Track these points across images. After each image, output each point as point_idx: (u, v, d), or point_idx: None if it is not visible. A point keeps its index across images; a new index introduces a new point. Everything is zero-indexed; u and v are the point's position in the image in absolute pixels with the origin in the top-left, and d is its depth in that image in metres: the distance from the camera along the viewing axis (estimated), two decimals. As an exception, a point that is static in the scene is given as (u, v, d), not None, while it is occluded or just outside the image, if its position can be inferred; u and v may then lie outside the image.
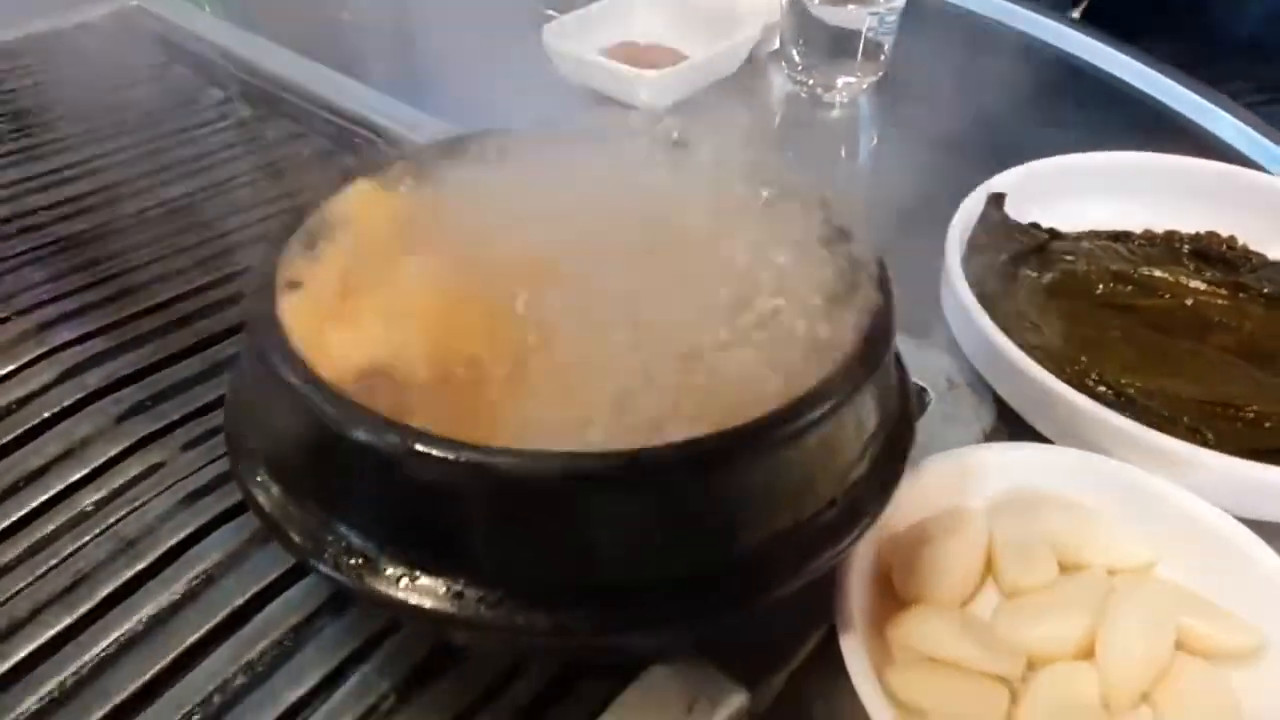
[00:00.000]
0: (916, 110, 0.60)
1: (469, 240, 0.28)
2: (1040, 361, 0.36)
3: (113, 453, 0.33)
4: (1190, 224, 0.44)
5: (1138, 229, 0.44)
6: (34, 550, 0.30)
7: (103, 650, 0.27)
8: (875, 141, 0.59)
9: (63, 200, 0.47)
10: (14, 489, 0.32)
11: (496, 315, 0.25)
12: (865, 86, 0.59)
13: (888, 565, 0.29)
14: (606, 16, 0.61)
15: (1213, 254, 0.42)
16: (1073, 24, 0.65)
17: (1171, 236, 0.43)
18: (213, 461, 0.33)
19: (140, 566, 0.29)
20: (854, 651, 0.26)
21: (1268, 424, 0.34)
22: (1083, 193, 0.44)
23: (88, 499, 0.31)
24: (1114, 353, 0.37)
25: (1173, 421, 0.34)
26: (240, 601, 0.28)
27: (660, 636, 0.24)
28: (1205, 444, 0.33)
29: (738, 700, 0.25)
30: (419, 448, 0.21)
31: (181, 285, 0.41)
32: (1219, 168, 0.45)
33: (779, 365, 0.23)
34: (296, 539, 0.23)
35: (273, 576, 0.29)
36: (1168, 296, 0.40)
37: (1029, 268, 0.41)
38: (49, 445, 0.33)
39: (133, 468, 0.32)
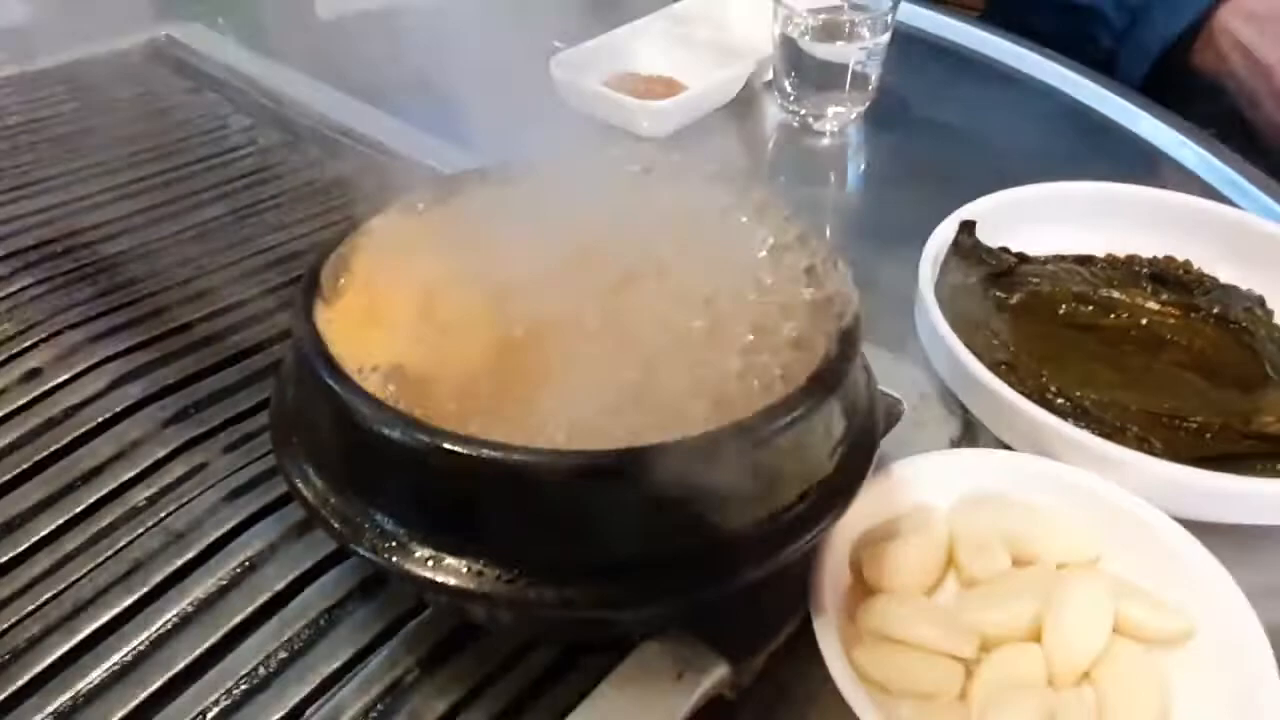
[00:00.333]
0: (902, 137, 0.64)
1: (481, 263, 0.31)
2: (1005, 375, 0.39)
3: (160, 454, 0.36)
4: (1150, 249, 0.47)
5: (1101, 253, 0.47)
6: (93, 541, 0.33)
7: (159, 629, 0.30)
8: (863, 167, 0.62)
9: (104, 222, 0.51)
10: (72, 486, 0.35)
11: (505, 329, 0.29)
12: (854, 116, 0.62)
13: (859, 558, 0.33)
14: (610, 48, 0.65)
15: (1169, 277, 0.45)
16: (1051, 57, 0.69)
17: (1132, 260, 0.47)
18: (251, 462, 0.36)
19: (189, 555, 0.32)
20: (826, 634, 0.29)
21: (1209, 434, 0.37)
22: (1051, 219, 0.48)
23: (139, 496, 0.35)
24: (1073, 368, 0.40)
25: (1123, 431, 0.37)
26: (280, 586, 0.31)
27: (652, 610, 0.27)
28: (1152, 451, 0.36)
29: (720, 671, 0.28)
30: (446, 446, 0.24)
31: (216, 302, 0.45)
32: (1178, 197, 0.48)
33: (756, 378, 0.27)
34: (337, 526, 0.26)
35: (309, 564, 0.32)
36: (1125, 316, 0.43)
37: (998, 289, 0.44)
38: (103, 447, 0.37)
39: (179, 468, 0.36)
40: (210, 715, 0.28)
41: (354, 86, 0.64)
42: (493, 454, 0.23)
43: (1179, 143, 0.60)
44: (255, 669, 0.29)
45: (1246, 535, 0.35)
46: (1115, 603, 0.31)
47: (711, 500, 0.25)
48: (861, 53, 0.60)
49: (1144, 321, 0.43)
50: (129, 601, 0.31)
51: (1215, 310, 0.43)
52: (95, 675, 0.29)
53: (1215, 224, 0.47)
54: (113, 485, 0.35)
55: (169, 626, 0.30)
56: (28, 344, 0.41)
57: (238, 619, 0.31)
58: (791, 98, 0.62)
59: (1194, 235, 0.47)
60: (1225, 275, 0.45)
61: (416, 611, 0.30)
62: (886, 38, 0.60)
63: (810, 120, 0.62)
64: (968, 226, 0.45)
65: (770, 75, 0.64)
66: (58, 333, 0.42)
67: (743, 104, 0.64)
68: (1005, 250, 0.46)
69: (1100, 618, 0.30)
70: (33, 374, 0.40)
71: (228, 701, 0.28)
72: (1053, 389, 0.39)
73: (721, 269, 0.31)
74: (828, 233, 0.57)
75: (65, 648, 0.30)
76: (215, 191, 0.54)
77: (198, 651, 0.30)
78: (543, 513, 0.24)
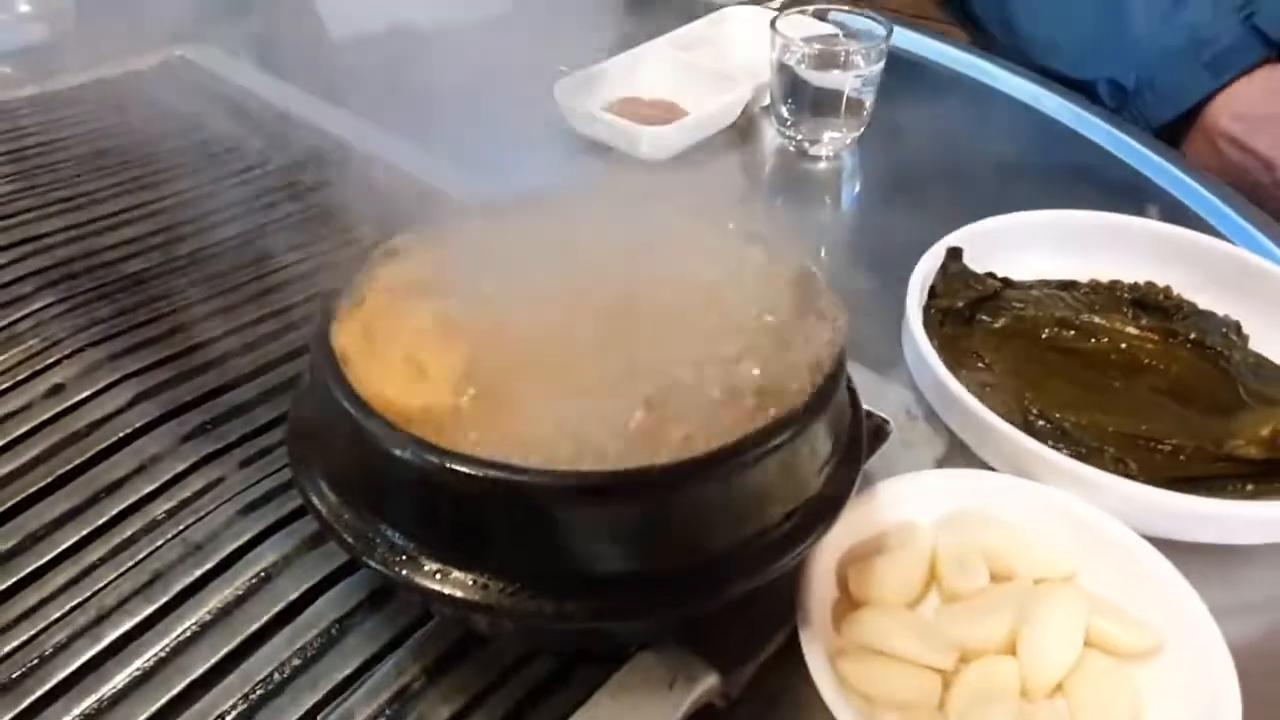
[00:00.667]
0: (896, 161, 0.65)
1: (488, 288, 0.33)
2: (989, 396, 0.41)
3: (180, 468, 0.38)
4: (1133, 274, 0.49)
5: (1085, 278, 0.49)
6: (116, 551, 0.35)
7: (179, 636, 0.32)
8: (857, 190, 0.64)
9: (123, 242, 0.52)
10: (95, 499, 0.37)
11: (508, 349, 0.30)
12: (849, 140, 0.64)
13: (845, 572, 0.34)
14: (613, 73, 0.67)
15: (1150, 302, 0.47)
16: (1043, 83, 0.71)
17: (1115, 286, 0.48)
18: (265, 477, 0.38)
19: (208, 566, 0.34)
20: (812, 646, 0.31)
21: (1183, 456, 0.39)
22: (1037, 245, 0.50)
23: (159, 509, 0.36)
24: (1054, 390, 0.42)
25: (1101, 452, 0.39)
26: (294, 596, 0.33)
27: (645, 622, 0.29)
28: (1128, 472, 0.38)
29: (710, 680, 0.29)
30: (453, 466, 0.26)
31: (232, 321, 0.46)
32: (1159, 226, 0.50)
33: (746, 403, 0.28)
34: (350, 540, 0.28)
35: (320, 576, 0.34)
36: (1105, 341, 0.45)
37: (984, 313, 0.46)
38: (124, 462, 0.38)
39: (197, 482, 0.37)
40: (228, 719, 0.30)
41: (365, 108, 0.66)
42: (497, 474, 0.25)
43: (1168, 172, 0.62)
44: (270, 675, 0.31)
45: (1215, 554, 0.36)
46: (1088, 618, 0.32)
47: (703, 519, 0.27)
48: (856, 80, 0.61)
49: (1123, 346, 0.44)
50: (150, 610, 0.33)
51: (1192, 335, 0.44)
52: (119, 680, 0.31)
53: (1195, 252, 0.48)
54: (134, 498, 0.37)
55: (188, 634, 0.32)
56: (51, 360, 0.43)
57: (253, 627, 0.32)
58: (788, 123, 0.64)
59: (1175, 262, 0.48)
60: (1204, 301, 0.47)
61: (423, 622, 0.32)
62: (880, 65, 0.61)
63: (806, 145, 0.64)
64: (955, 253, 0.47)
65: (768, 100, 0.66)
66: (80, 350, 0.44)
67: (741, 128, 0.66)
68: (991, 275, 0.48)
69: (1073, 632, 0.32)
70: (56, 389, 0.42)
71: (244, 706, 0.30)
72: (1034, 410, 0.41)
73: (716, 296, 0.33)
74: (823, 253, 0.59)
75: (90, 653, 0.31)
76: (229, 212, 0.56)
77: (216, 658, 0.31)
78: (543, 530, 0.26)
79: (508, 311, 0.32)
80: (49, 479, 0.38)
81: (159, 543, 0.35)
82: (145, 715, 0.30)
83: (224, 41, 0.82)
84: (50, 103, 0.67)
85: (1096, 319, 0.45)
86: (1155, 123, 0.68)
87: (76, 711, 0.30)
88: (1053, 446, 0.39)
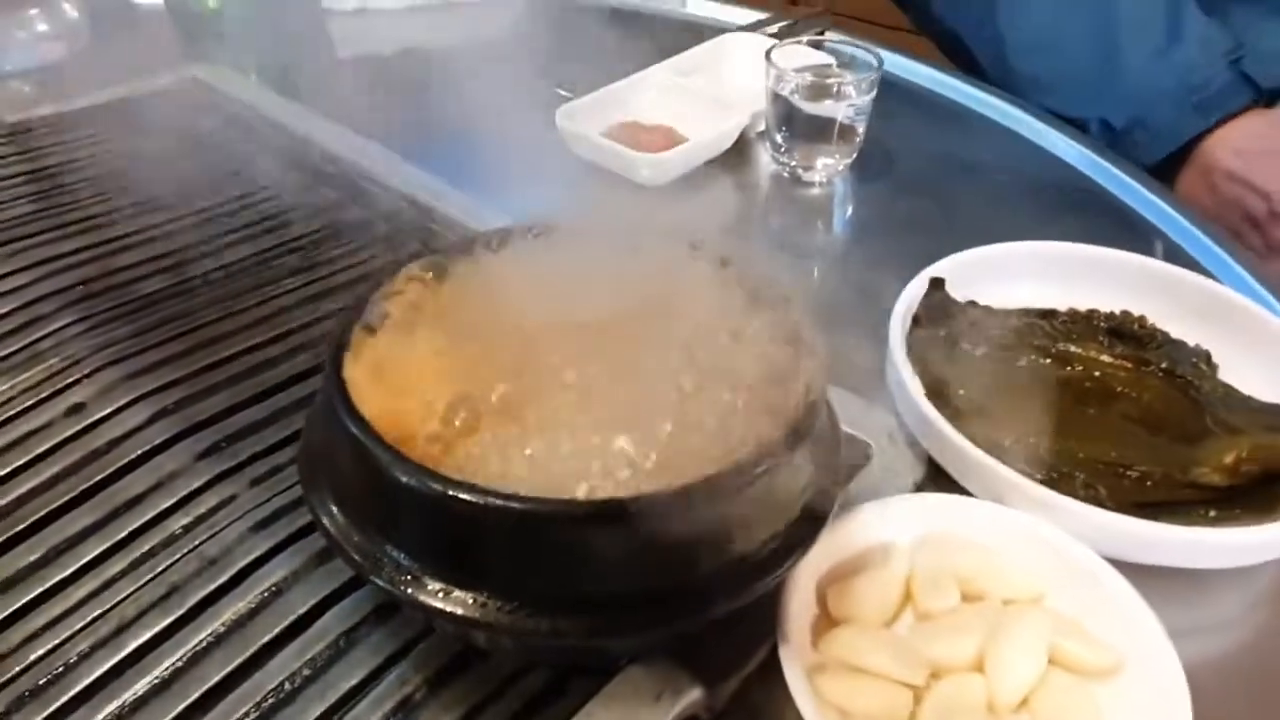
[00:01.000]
0: (886, 187, 0.68)
1: (495, 319, 0.35)
2: (968, 422, 0.43)
3: (195, 485, 0.40)
4: (1110, 303, 0.51)
5: (1064, 307, 0.51)
6: (135, 564, 0.37)
7: (195, 646, 0.34)
8: (848, 215, 0.66)
9: (139, 262, 0.54)
10: (115, 514, 0.39)
11: (509, 381, 0.32)
12: (841, 167, 0.66)
13: (825, 591, 0.36)
14: (613, 99, 0.69)
15: (1125, 331, 0.49)
16: (1033, 112, 0.73)
17: (1092, 315, 0.50)
18: (276, 495, 0.40)
19: (222, 580, 0.36)
20: (792, 662, 0.33)
21: (1150, 482, 0.41)
22: (1018, 275, 0.52)
23: (177, 524, 0.38)
24: (1029, 417, 0.44)
25: (1072, 477, 0.41)
26: (303, 610, 0.35)
27: (634, 639, 0.31)
28: (1097, 497, 0.40)
29: (694, 694, 0.31)
30: (455, 493, 0.28)
31: (244, 341, 0.48)
32: (1135, 258, 0.52)
33: (731, 434, 0.30)
34: (358, 559, 0.30)
35: (328, 591, 0.36)
36: (1080, 369, 0.46)
37: (965, 341, 0.48)
38: (142, 479, 0.40)
39: (211, 499, 0.39)
40: (242, 725, 0.32)
41: (372, 130, 0.68)
42: (497, 502, 0.27)
43: (1152, 204, 0.64)
44: (281, 685, 0.33)
45: (1178, 576, 0.38)
46: (1052, 638, 0.34)
47: (688, 543, 0.29)
48: (849, 109, 0.64)
49: (1097, 374, 0.46)
50: (167, 621, 0.35)
51: (1164, 364, 0.46)
52: (139, 687, 0.33)
53: (1169, 283, 0.50)
54: (152, 514, 0.39)
55: (204, 645, 0.34)
56: (71, 379, 0.45)
57: (265, 639, 0.34)
58: (782, 149, 0.66)
59: (1151, 292, 0.50)
60: (1177, 331, 0.49)
61: (425, 636, 0.34)
62: (872, 95, 0.64)
63: (800, 171, 0.66)
64: (937, 282, 0.49)
65: (763, 126, 0.68)
66: (99, 369, 0.46)
67: (737, 154, 0.68)
68: (974, 304, 0.50)
69: (1037, 651, 0.33)
70: (77, 408, 0.44)
71: (257, 714, 0.32)
72: (1010, 435, 0.43)
73: (704, 330, 0.35)
74: (815, 273, 0.61)
75: (112, 662, 0.33)
76: (241, 234, 0.58)
77: (230, 667, 0.33)
78: (540, 553, 0.28)
79: (510, 343, 0.34)
80: (71, 494, 0.40)
81: (176, 557, 0.37)
82: (164, 721, 0.32)
83: (235, 61, 0.84)
84: (68, 122, 0.69)
85: (1072, 347, 0.47)
86: (1146, 161, 0.70)
87: (99, 717, 0.32)
88: (1027, 471, 0.41)
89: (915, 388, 0.43)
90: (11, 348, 0.47)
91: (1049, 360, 0.47)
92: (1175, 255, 0.59)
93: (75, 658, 0.34)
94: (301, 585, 0.36)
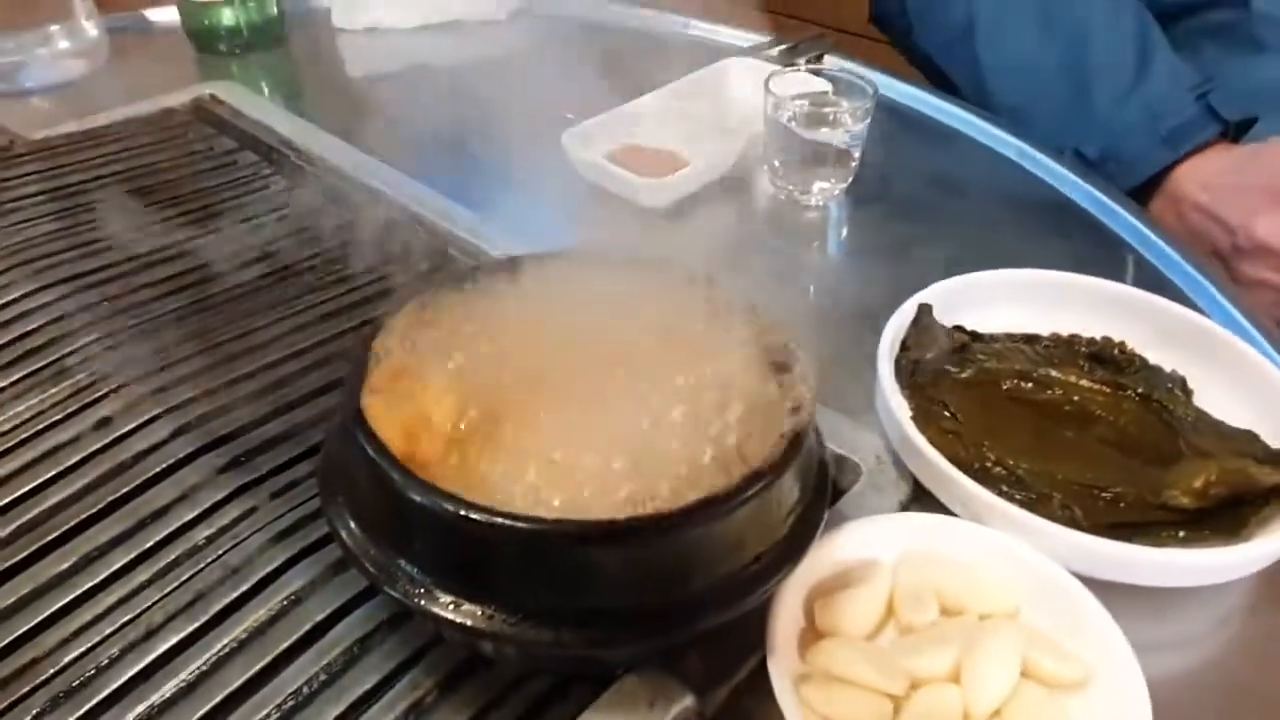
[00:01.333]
0: (881, 211, 0.70)
1: (503, 345, 0.37)
2: (952, 443, 0.45)
3: (217, 498, 0.42)
4: (1092, 329, 0.53)
5: (1047, 332, 0.53)
6: (162, 573, 0.39)
7: (218, 651, 0.36)
8: (843, 237, 0.68)
9: (160, 280, 0.57)
10: (141, 525, 0.41)
11: (517, 406, 0.35)
12: (837, 191, 0.69)
13: (811, 605, 0.38)
14: (617, 123, 0.71)
15: (1105, 356, 0.51)
16: (1027, 139, 0.75)
17: (1074, 340, 0.52)
18: (294, 508, 0.42)
19: (244, 589, 0.38)
20: (779, 671, 0.35)
21: (1123, 503, 0.43)
22: (1003, 301, 0.54)
23: (200, 535, 0.40)
24: (1011, 439, 0.46)
25: (1050, 498, 0.43)
26: (320, 618, 0.37)
27: (630, 649, 0.33)
28: (1073, 517, 0.42)
29: (687, 701, 0.34)
30: (464, 513, 0.30)
31: (262, 358, 0.51)
32: (1116, 286, 0.54)
33: (723, 458, 0.33)
34: (372, 570, 0.32)
35: (344, 600, 0.38)
36: (1060, 392, 0.49)
37: (951, 364, 0.50)
38: (167, 490, 0.42)
39: (233, 510, 0.42)
40: (263, 727, 0.34)
41: (383, 149, 0.71)
42: (504, 522, 0.29)
43: (1139, 232, 0.66)
44: (299, 689, 0.35)
45: (1147, 594, 0.40)
46: (1025, 651, 0.36)
47: (682, 561, 0.31)
48: (845, 136, 0.66)
49: (1076, 398, 0.48)
50: (193, 627, 0.37)
51: (1140, 389, 0.48)
52: (167, 689, 0.35)
53: (1148, 311, 0.52)
54: (176, 525, 0.41)
55: (227, 650, 0.36)
56: (98, 395, 0.47)
57: (284, 645, 0.36)
58: (780, 174, 0.68)
59: (1131, 319, 0.52)
60: (1155, 357, 0.51)
61: (435, 644, 0.36)
62: (867, 122, 0.66)
63: (797, 195, 0.68)
64: (925, 309, 0.51)
65: (762, 150, 0.70)
66: (124, 385, 0.48)
67: (736, 177, 0.71)
68: (959, 329, 0.52)
69: (1010, 664, 0.36)
70: (104, 422, 0.46)
71: (277, 715, 0.34)
72: (992, 457, 0.45)
73: (698, 356, 0.37)
74: (811, 292, 0.63)
75: (140, 665, 0.35)
76: (257, 251, 0.60)
77: (251, 672, 0.35)
78: (544, 569, 0.30)
79: (515, 369, 0.36)
80: (99, 506, 0.42)
81: (200, 566, 0.39)
82: (191, 722, 0.34)
83: (250, 80, 0.87)
84: (88, 140, 0.72)
85: (1053, 372, 0.49)
86: (1120, 189, 0.72)
87: (130, 716, 0.34)
88: (1006, 492, 0.43)
89: (901, 411, 0.45)
90: (40, 363, 0.49)
91: (1031, 384, 0.49)
92: (1156, 279, 0.62)
93: (106, 661, 0.36)
94: (319, 594, 0.38)
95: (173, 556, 0.40)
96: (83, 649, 0.36)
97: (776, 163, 0.68)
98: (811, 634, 0.38)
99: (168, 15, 0.96)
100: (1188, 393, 0.49)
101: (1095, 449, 0.46)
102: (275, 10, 0.93)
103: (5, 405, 0.47)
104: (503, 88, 0.83)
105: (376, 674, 0.35)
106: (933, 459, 0.43)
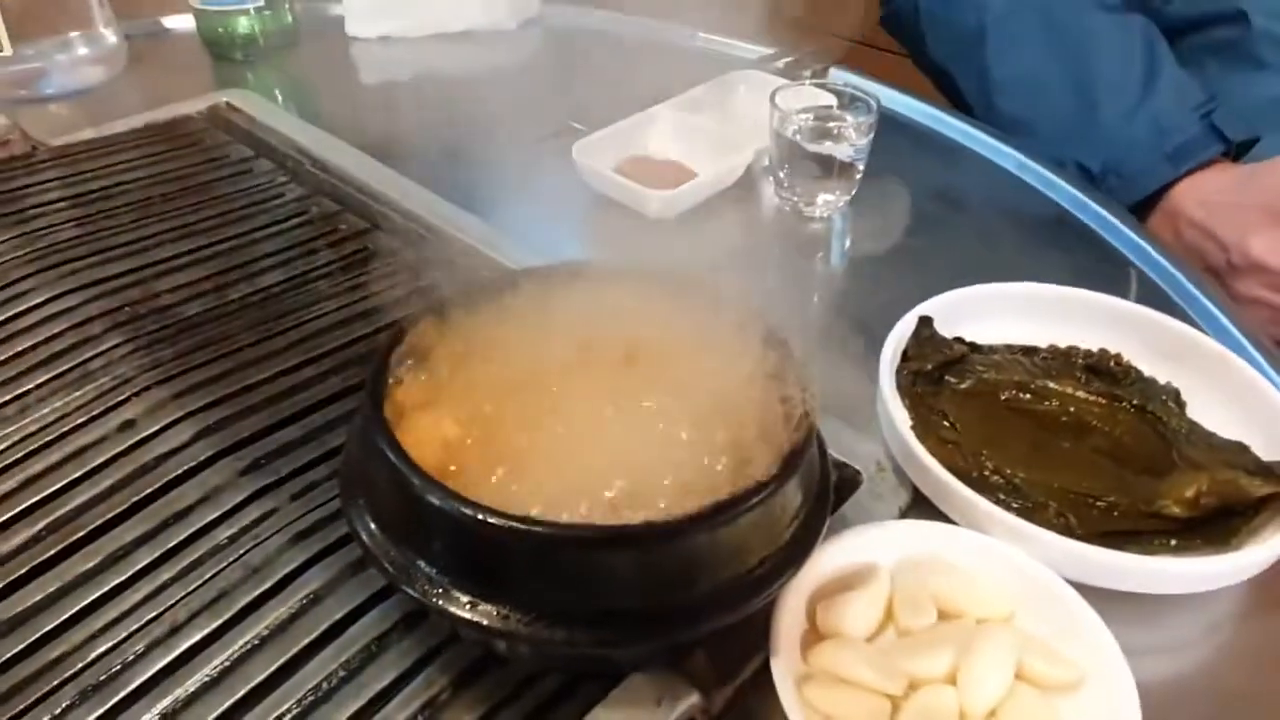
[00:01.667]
0: (884, 222, 0.71)
1: (514, 356, 0.39)
2: (951, 452, 0.46)
3: (239, 499, 0.43)
4: (1089, 341, 0.54)
5: (1045, 343, 0.54)
6: (185, 572, 0.40)
7: (240, 648, 0.37)
8: (847, 249, 0.70)
9: (179, 286, 0.58)
10: (165, 525, 0.42)
11: (533, 415, 0.36)
12: (840, 203, 0.70)
13: (814, 608, 0.39)
14: (626, 134, 0.73)
15: (1101, 368, 0.52)
16: (1029, 152, 0.76)
17: (1071, 351, 0.54)
18: (313, 509, 0.43)
19: (265, 587, 0.39)
20: (782, 671, 0.36)
21: (1116, 512, 0.44)
22: (1003, 313, 0.55)
23: (222, 535, 0.42)
24: (1008, 448, 0.47)
25: (1045, 506, 0.44)
26: (338, 616, 0.38)
27: (639, 649, 0.34)
28: (1068, 525, 0.43)
29: (693, 699, 0.35)
30: (482, 517, 0.31)
31: (280, 364, 0.52)
32: (1115, 300, 0.55)
33: (729, 468, 0.34)
34: (391, 570, 0.34)
35: (361, 599, 0.39)
36: (1056, 403, 0.50)
37: (951, 375, 0.51)
38: (190, 492, 0.44)
39: (254, 511, 0.43)
40: (284, 721, 0.35)
41: (395, 157, 0.72)
42: (520, 526, 0.31)
43: (1137, 247, 0.67)
44: (319, 684, 0.36)
45: (1139, 600, 0.41)
46: (1019, 654, 0.37)
47: (689, 565, 0.32)
48: (849, 149, 0.67)
49: (1072, 409, 0.50)
50: (216, 624, 0.38)
51: (1135, 400, 0.50)
52: (191, 684, 0.36)
53: (1144, 324, 0.53)
54: (199, 525, 0.42)
55: (249, 646, 0.37)
56: (122, 398, 0.49)
57: (305, 642, 0.37)
58: (785, 185, 0.69)
59: (1127, 332, 0.54)
60: (1149, 369, 0.52)
61: (450, 642, 0.37)
62: (870, 137, 0.67)
63: (801, 206, 0.70)
64: (926, 320, 0.52)
65: (768, 162, 0.72)
66: (147, 388, 0.49)
67: (742, 188, 0.72)
68: (960, 340, 0.53)
69: (1005, 666, 0.37)
70: (128, 425, 0.47)
71: (298, 710, 0.35)
72: (990, 466, 0.46)
73: (705, 369, 0.38)
74: (814, 305, 0.64)
75: (165, 660, 0.37)
76: (274, 258, 0.61)
77: (272, 668, 0.37)
78: (557, 572, 0.31)
79: (531, 378, 0.38)
80: (124, 506, 0.43)
81: (222, 565, 0.40)
82: (214, 716, 0.35)
83: (265, 87, 0.88)
84: (107, 147, 0.73)
85: (1050, 383, 0.51)
86: (1120, 203, 0.73)
87: (156, 710, 0.35)
88: (1003, 500, 0.44)
89: (902, 421, 0.46)
90: (64, 366, 0.51)
91: (1028, 395, 0.50)
92: (1154, 294, 0.63)
93: (132, 656, 0.37)
94: (337, 593, 0.39)
95: (195, 555, 0.41)
96: (109, 644, 0.38)
97: (781, 174, 0.69)
98: (813, 635, 0.39)
99: (184, 22, 0.97)
100: (1181, 405, 0.50)
101: (1091, 459, 0.47)
102: (290, 18, 0.94)
103: (33, 407, 0.48)
104: (513, 97, 0.85)
105: (394, 670, 0.37)
106: (931, 468, 0.44)
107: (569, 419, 0.36)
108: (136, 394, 0.49)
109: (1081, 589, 0.39)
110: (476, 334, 0.40)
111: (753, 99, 0.76)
